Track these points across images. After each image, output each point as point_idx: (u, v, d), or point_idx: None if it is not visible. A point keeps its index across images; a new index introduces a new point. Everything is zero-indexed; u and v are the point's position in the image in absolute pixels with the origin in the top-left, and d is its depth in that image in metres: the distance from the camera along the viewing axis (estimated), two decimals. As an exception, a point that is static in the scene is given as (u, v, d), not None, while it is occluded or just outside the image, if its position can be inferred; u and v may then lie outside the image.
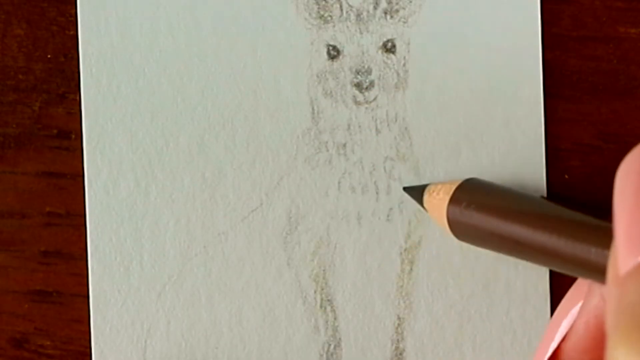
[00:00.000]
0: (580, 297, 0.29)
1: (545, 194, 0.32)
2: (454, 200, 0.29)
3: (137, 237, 0.31)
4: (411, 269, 0.31)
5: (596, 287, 0.28)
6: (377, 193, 0.32)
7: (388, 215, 0.32)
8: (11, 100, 0.32)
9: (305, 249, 0.32)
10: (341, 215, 0.32)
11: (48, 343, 0.32)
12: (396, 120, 0.32)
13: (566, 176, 0.32)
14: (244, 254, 0.31)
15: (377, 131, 0.32)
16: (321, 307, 0.32)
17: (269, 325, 0.31)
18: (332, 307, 0.32)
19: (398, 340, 0.32)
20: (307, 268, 0.32)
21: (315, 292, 0.31)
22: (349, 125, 0.32)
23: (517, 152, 0.32)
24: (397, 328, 0.31)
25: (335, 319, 0.32)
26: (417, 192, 0.31)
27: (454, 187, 0.30)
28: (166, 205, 0.31)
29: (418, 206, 0.31)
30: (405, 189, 0.32)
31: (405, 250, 0.32)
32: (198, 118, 0.31)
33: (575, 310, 0.28)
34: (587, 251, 0.26)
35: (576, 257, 0.27)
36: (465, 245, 0.31)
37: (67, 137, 0.32)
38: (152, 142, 0.31)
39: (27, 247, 0.32)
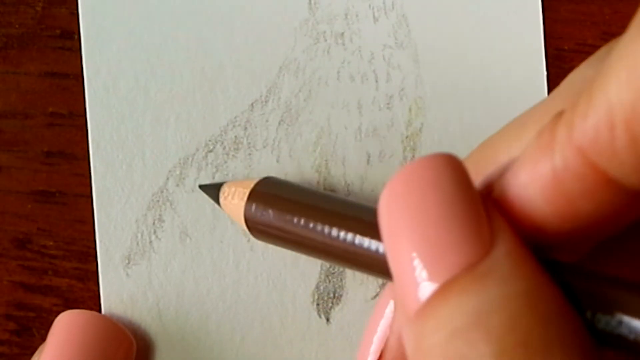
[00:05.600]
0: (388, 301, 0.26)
1: (546, 95, 0.31)
2: (249, 205, 0.29)
3: (139, 134, 0.31)
4: (413, 156, 0.31)
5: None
6: (376, 81, 0.31)
7: (388, 103, 0.31)
8: (14, 1, 0.32)
9: (307, 139, 0.31)
10: (341, 105, 0.31)
11: (51, 243, 0.31)
12: (393, 8, 0.31)
13: (569, 77, 0.32)
14: (246, 147, 0.31)
15: (375, 19, 0.31)
16: (324, 197, 0.31)
17: (273, 217, 0.31)
18: (335, 197, 0.31)
19: (403, 228, 0.31)
20: (309, 159, 0.31)
21: (317, 183, 0.31)
22: (346, 15, 0.32)
23: (516, 45, 0.32)
24: (401, 216, 0.31)
25: (339, 208, 0.31)
26: (212, 191, 0.31)
27: (247, 192, 0.29)
28: (166, 101, 0.31)
29: (419, 93, 0.31)
30: (200, 187, 0.31)
31: (406, 137, 0.31)
32: (196, 12, 0.31)
33: (383, 327, 0.26)
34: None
35: (371, 257, 0.25)
36: (466, 133, 0.31)
37: (69, 37, 0.32)
38: (150, 38, 0.31)
39: (30, 147, 0.32)
